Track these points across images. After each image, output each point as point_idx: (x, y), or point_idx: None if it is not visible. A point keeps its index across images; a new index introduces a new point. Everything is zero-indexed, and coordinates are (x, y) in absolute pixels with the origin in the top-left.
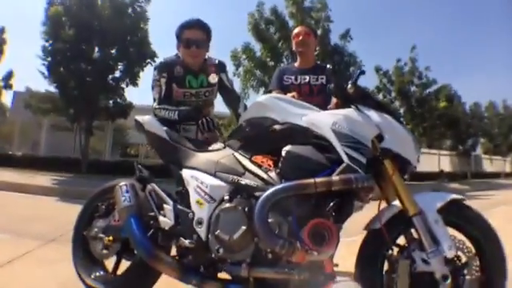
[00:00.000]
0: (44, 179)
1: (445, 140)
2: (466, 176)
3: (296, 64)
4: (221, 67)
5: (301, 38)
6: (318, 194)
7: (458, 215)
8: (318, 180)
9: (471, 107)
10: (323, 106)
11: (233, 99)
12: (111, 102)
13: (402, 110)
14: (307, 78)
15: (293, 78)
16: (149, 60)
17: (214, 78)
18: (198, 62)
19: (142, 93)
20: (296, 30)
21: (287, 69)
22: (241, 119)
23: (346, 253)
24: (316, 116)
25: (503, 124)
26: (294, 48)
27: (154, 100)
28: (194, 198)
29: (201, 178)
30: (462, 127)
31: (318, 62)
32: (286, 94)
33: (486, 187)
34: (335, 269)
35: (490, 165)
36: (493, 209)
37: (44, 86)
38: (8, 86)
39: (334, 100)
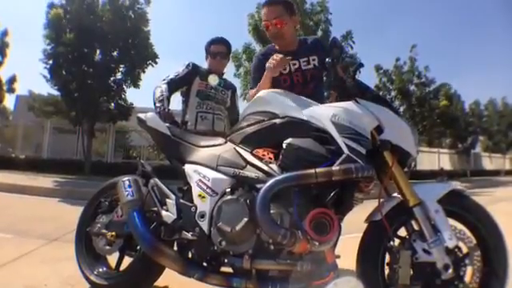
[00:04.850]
0: (47, 181)
1: (444, 138)
2: (465, 174)
3: (278, 47)
4: (234, 88)
5: (270, 28)
6: (318, 185)
7: (458, 205)
8: (319, 170)
9: (471, 105)
10: (317, 92)
11: (234, 117)
12: (113, 104)
13: (401, 109)
14: (297, 63)
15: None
16: (150, 61)
17: (214, 80)
18: (221, 69)
19: (143, 95)
20: (263, 18)
21: (269, 56)
22: (242, 114)
23: (351, 249)
24: (315, 109)
25: (503, 121)
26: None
27: (167, 76)
28: (196, 191)
29: (203, 172)
30: (461, 125)
31: (301, 38)
32: (279, 88)
33: (486, 184)
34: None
35: (489, 162)
36: (493, 205)
37: (46, 89)
38: (11, 90)
39: (333, 94)
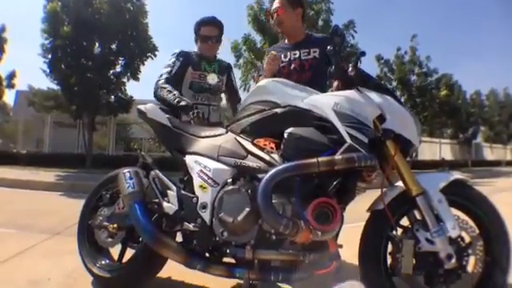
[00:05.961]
0: (48, 175)
1: (446, 129)
2: (466, 164)
3: (286, 40)
4: (229, 68)
5: (275, 17)
6: (320, 175)
7: (461, 195)
8: (321, 159)
9: (472, 96)
10: (315, 81)
11: (234, 98)
12: (113, 97)
13: (402, 99)
14: (297, 52)
15: (282, 56)
16: (149, 54)
17: (213, 79)
18: (213, 54)
19: (143, 87)
20: (271, 8)
21: (276, 47)
22: (243, 104)
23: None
24: (317, 98)
25: (504, 112)
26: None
27: (161, 76)
28: (197, 182)
29: (204, 163)
30: (462, 116)
31: (310, 33)
32: (277, 76)
33: (487, 175)
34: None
35: (490, 153)
36: (494, 195)
37: (46, 83)
38: (11, 86)
39: (334, 83)
